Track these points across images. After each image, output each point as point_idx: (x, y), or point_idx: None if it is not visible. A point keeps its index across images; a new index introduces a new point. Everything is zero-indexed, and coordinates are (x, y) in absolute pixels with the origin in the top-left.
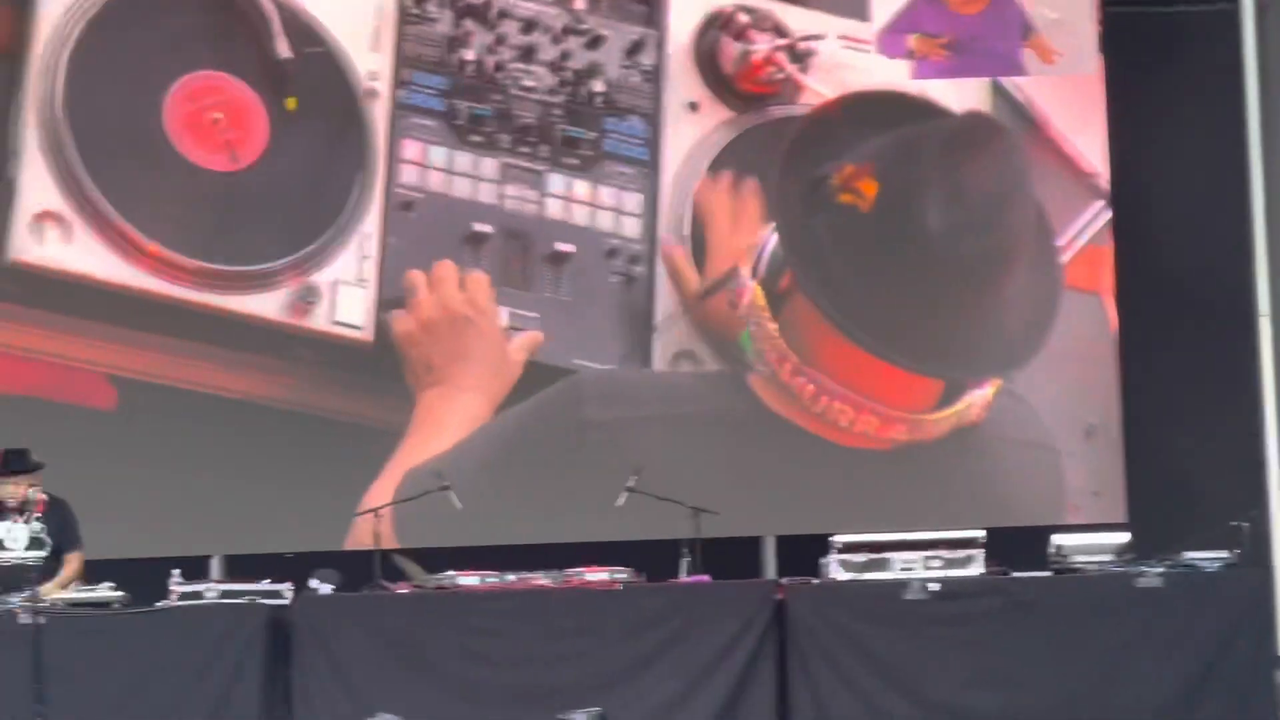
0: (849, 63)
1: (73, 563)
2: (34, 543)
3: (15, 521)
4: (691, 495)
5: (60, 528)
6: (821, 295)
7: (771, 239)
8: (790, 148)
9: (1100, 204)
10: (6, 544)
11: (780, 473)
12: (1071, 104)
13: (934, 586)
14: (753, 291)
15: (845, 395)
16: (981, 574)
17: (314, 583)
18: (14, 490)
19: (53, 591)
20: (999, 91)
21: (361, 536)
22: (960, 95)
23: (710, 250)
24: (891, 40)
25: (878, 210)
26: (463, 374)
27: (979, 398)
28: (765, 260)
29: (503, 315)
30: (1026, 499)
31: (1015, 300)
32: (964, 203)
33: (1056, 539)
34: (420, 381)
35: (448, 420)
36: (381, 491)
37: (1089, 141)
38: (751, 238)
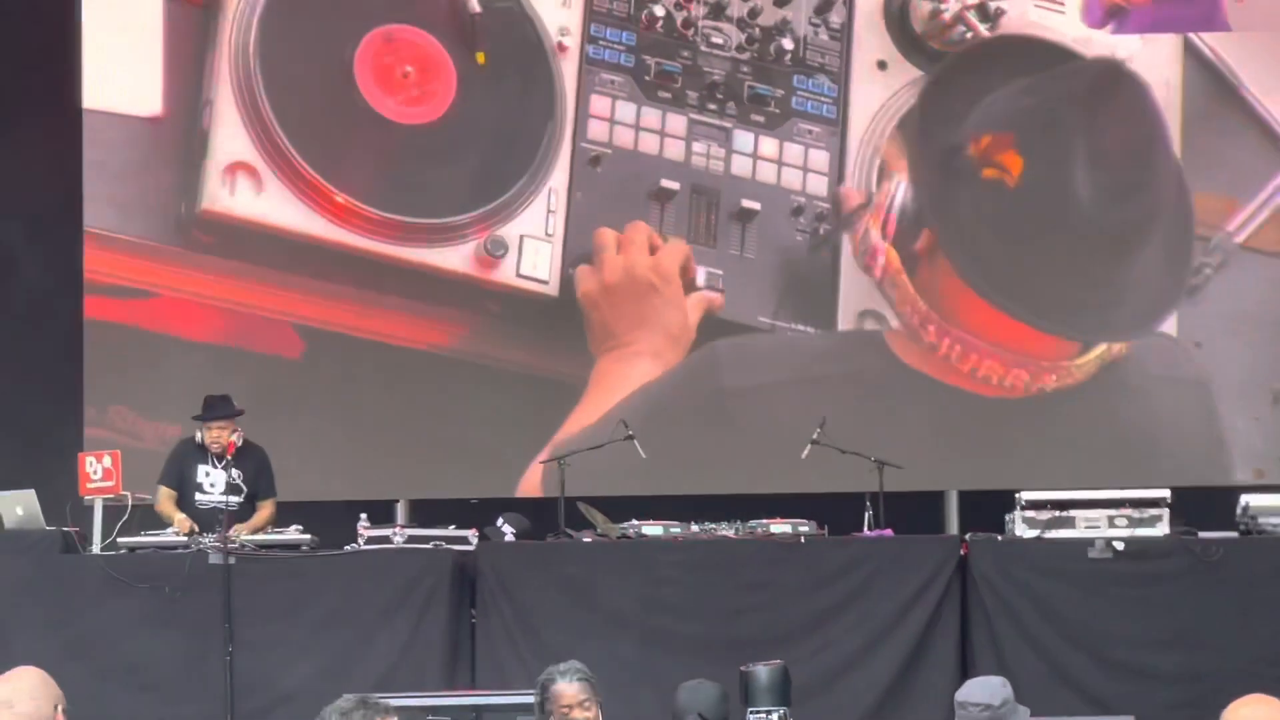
0: (1040, 22)
1: (266, 508)
2: (231, 488)
3: (216, 466)
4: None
5: (257, 473)
6: (968, 266)
7: (896, 197)
8: (921, 107)
9: None
10: (205, 488)
11: (926, 425)
12: (1269, 65)
13: (1119, 545)
14: (886, 253)
15: (993, 353)
16: (1167, 534)
17: (500, 522)
18: (216, 435)
19: (244, 534)
20: (1190, 51)
21: (530, 486)
22: (1152, 53)
23: None
24: (1092, 5)
25: (1025, 186)
26: (641, 340)
27: None
28: (894, 219)
29: (700, 275)
30: (1181, 437)
31: (1154, 260)
32: (1109, 165)
33: (1246, 499)
34: (600, 346)
35: (621, 386)
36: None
37: None
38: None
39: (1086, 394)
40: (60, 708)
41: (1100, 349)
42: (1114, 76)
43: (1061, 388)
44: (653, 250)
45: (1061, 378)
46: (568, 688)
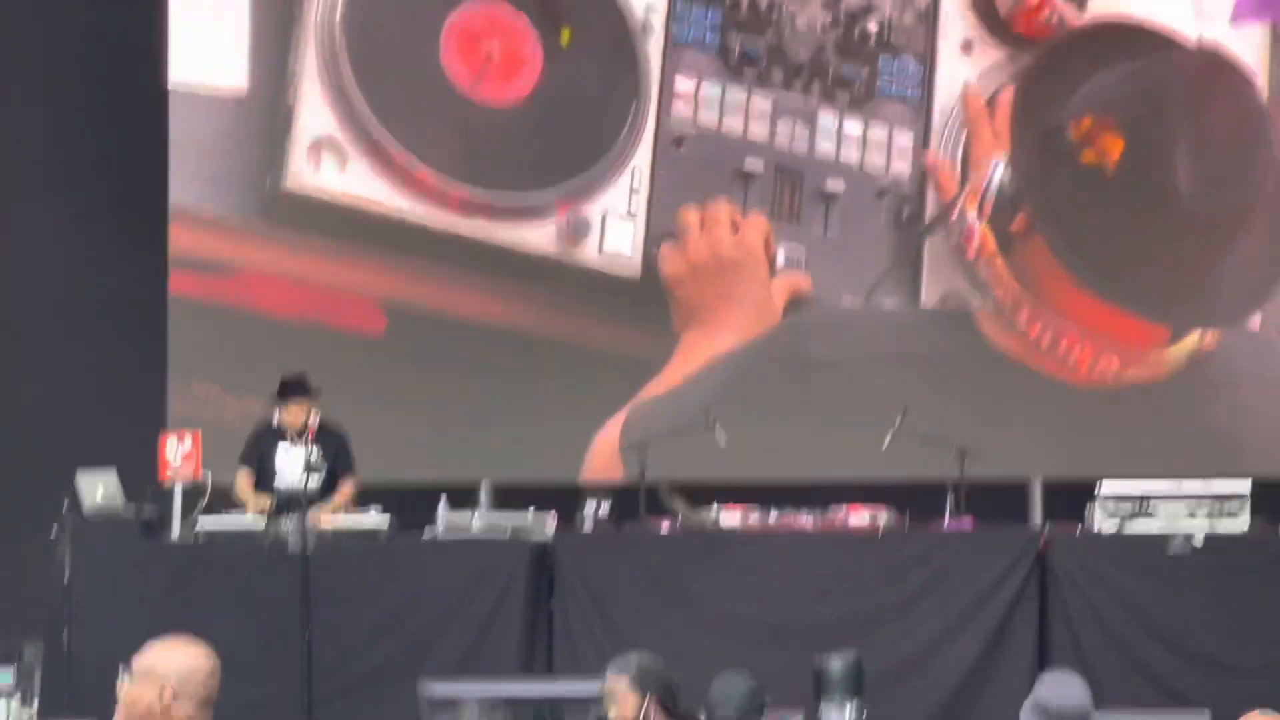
0: (1125, 8)
1: (346, 488)
2: (311, 468)
3: (294, 447)
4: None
5: (336, 453)
6: (1064, 248)
7: (995, 177)
8: (1022, 89)
9: None
10: (284, 469)
11: (1011, 410)
12: None
13: (1199, 540)
14: (981, 234)
15: (1085, 339)
16: (1249, 528)
17: (592, 501)
18: (294, 416)
19: (323, 516)
20: (1278, 39)
21: (601, 462)
22: (1238, 42)
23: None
24: None
25: (1124, 170)
26: (726, 316)
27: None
28: (990, 199)
29: (780, 255)
30: (1265, 434)
31: (1251, 249)
32: (1210, 154)
33: None
34: (686, 324)
35: (703, 360)
36: (610, 430)
37: None
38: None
39: (1173, 387)
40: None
41: (1192, 339)
42: (1218, 64)
43: (1150, 379)
44: (735, 228)
45: (1151, 368)
46: (610, 679)
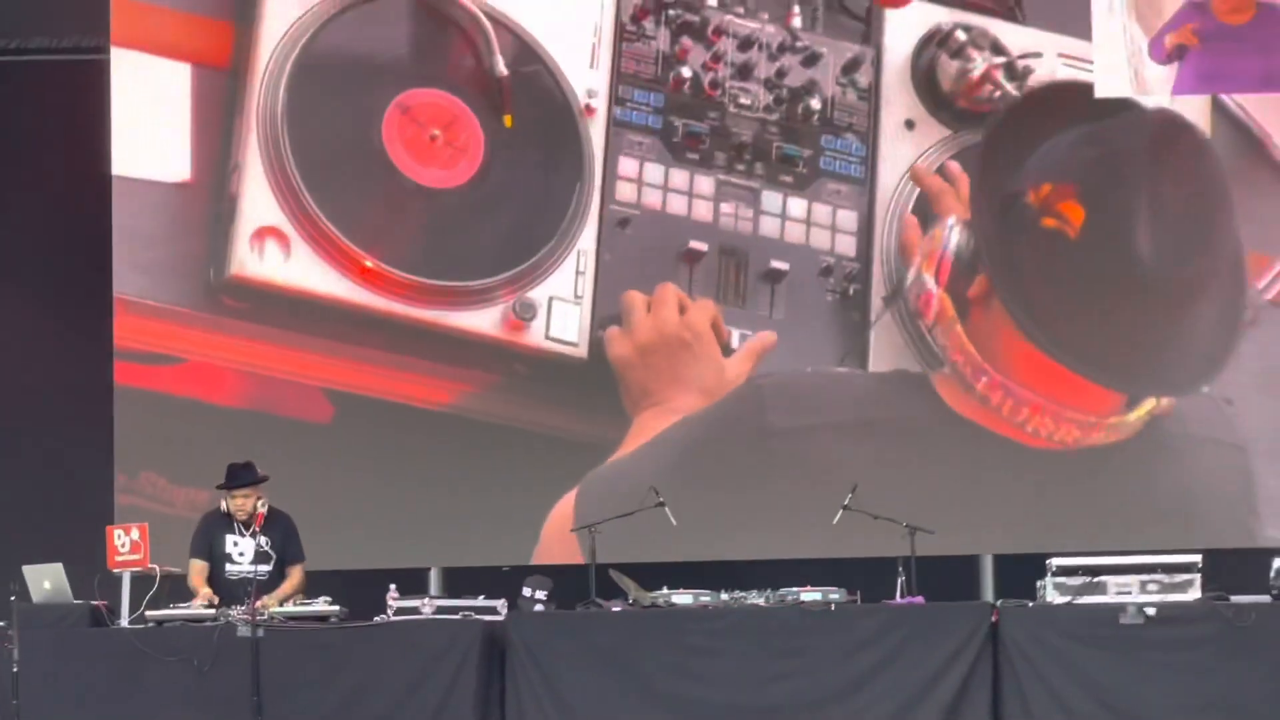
0: (1068, 79)
1: (295, 575)
2: (260, 556)
3: (243, 535)
4: (877, 503)
5: (284, 540)
6: (1023, 313)
7: (951, 240)
8: (981, 152)
9: None
10: (234, 557)
11: (969, 477)
12: None
13: (1151, 611)
14: (939, 300)
15: (1045, 407)
16: (1199, 598)
17: (527, 590)
18: (242, 504)
19: (273, 604)
20: (1219, 107)
21: (550, 550)
22: (1180, 109)
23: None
24: (1157, 45)
25: (1086, 237)
26: (677, 395)
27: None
28: (948, 263)
29: (734, 338)
30: (1217, 499)
31: (1209, 317)
32: (1170, 220)
33: (1278, 561)
34: (637, 405)
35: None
36: (567, 503)
37: None
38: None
39: (1129, 451)
40: None
41: (1149, 405)
42: (1176, 129)
43: (1108, 444)
44: (682, 310)
45: (1109, 434)
46: None
